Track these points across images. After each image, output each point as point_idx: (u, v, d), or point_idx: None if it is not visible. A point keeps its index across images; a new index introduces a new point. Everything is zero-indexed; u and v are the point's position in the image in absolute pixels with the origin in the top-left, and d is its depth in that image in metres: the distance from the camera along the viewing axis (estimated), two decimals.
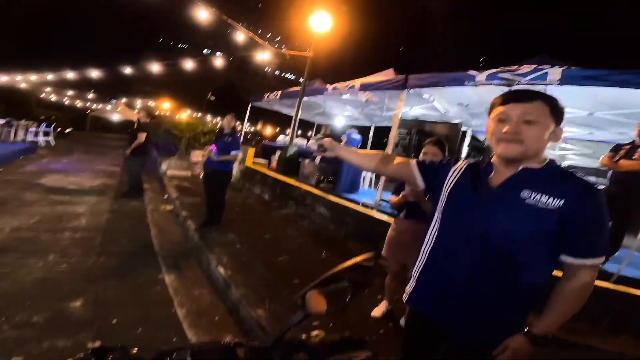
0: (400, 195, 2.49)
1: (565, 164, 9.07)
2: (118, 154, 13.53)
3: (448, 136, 5.64)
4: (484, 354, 1.16)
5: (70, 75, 14.19)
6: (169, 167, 9.28)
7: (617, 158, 3.60)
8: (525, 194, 1.08)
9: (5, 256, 3.29)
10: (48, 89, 27.45)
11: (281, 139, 11.09)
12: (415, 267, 1.37)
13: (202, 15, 8.85)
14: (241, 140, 5.00)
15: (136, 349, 0.63)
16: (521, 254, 1.08)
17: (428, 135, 5.60)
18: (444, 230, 1.27)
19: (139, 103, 37.47)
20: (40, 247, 3.64)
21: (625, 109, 4.35)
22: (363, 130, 11.03)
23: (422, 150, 2.53)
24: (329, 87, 7.19)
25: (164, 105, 34.90)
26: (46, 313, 2.49)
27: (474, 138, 7.19)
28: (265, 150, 10.52)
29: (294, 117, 8.17)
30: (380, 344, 2.51)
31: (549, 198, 1.05)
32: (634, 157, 3.48)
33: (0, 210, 4.67)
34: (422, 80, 4.91)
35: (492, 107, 1.18)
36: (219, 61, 11.70)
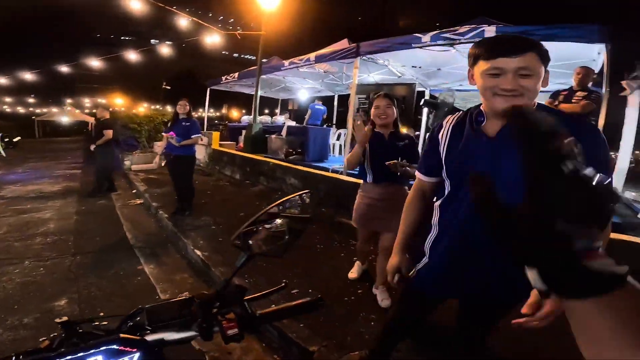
0: (355, 148, 2.36)
1: None
2: (75, 156, 12.90)
3: (405, 97, 5.87)
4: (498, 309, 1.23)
5: (3, 81, 13.12)
6: (133, 162, 9.06)
7: (557, 103, 3.95)
8: None
9: None
10: None
11: (246, 119, 11.01)
12: (426, 242, 1.32)
13: (138, 5, 8.37)
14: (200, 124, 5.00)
15: (104, 321, 0.66)
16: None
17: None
18: (451, 195, 1.23)
19: (87, 102, 35.19)
20: (14, 255, 3.61)
21: (562, 61, 4.67)
22: (328, 100, 11.17)
23: (373, 105, 2.45)
24: (286, 62, 7.26)
25: (117, 101, 33.16)
26: (35, 314, 2.55)
27: (431, 96, 7.50)
28: (232, 132, 10.47)
29: (254, 96, 8.15)
30: (356, 304, 2.64)
31: None
32: (572, 101, 3.83)
33: None
34: (373, 46, 5.06)
35: (477, 58, 1.08)
36: (165, 49, 11.25)
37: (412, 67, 6.32)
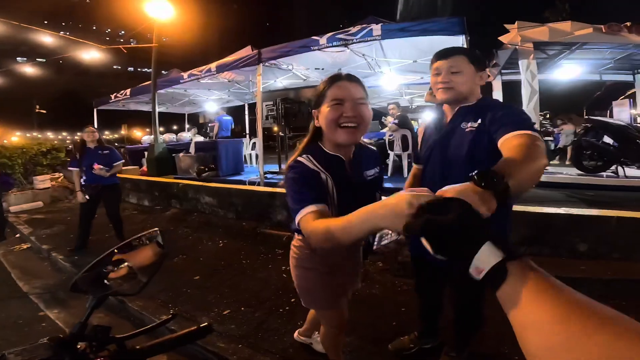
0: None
1: (415, 104, 10.72)
2: None
3: (312, 99, 6.01)
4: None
5: None
6: (11, 203, 7.59)
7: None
8: (463, 124, 1.44)
9: None
10: None
11: (146, 139, 10.01)
12: None
13: None
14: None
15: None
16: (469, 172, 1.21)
17: (293, 102, 5.86)
18: (424, 176, 1.64)
19: None
20: None
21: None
22: (238, 109, 10.88)
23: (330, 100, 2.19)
24: (184, 74, 6.92)
25: None
26: None
27: None
28: (133, 155, 9.45)
29: (152, 113, 7.58)
30: (291, 314, 2.66)
31: (478, 121, 1.38)
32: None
33: None
34: (274, 52, 5.08)
35: (431, 64, 1.51)
36: (32, 69, 9.75)
37: (315, 69, 6.50)
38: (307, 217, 0.97)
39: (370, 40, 4.29)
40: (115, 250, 0.76)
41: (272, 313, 2.59)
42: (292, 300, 2.76)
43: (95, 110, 9.96)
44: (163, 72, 7.79)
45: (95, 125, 10.56)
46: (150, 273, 0.77)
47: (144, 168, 7.91)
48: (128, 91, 8.77)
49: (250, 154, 9.01)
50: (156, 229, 0.83)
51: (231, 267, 3.52)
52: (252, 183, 5.25)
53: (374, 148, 1.49)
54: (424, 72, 6.52)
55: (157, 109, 7.65)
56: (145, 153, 7.88)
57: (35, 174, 9.23)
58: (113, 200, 4.46)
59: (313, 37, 4.68)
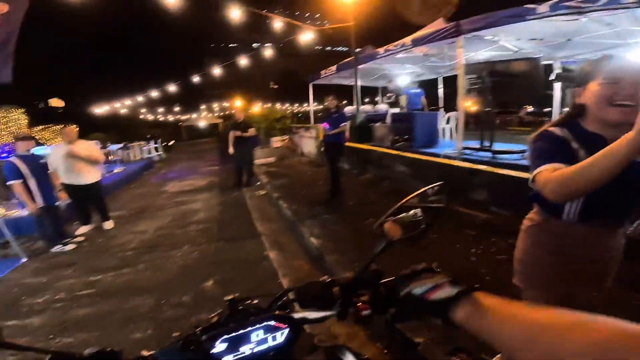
0: None
1: None
2: (212, 155, 15.30)
3: (527, 73, 5.12)
4: None
5: (155, 94, 16.36)
6: (256, 157, 10.37)
7: None
8: None
9: (157, 250, 4.31)
10: (143, 110, 31.96)
11: (347, 109, 11.33)
12: None
13: (237, 14, 9.31)
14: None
15: (256, 300, 0.75)
16: None
17: (502, 75, 5.18)
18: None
19: (215, 107, 41.74)
20: (176, 240, 4.63)
21: None
22: (431, 83, 10.56)
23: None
24: (381, 50, 7.17)
25: (236, 104, 37.71)
26: (191, 294, 3.10)
27: (564, 69, 6.31)
28: None
29: (354, 87, 8.47)
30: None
31: None
32: None
33: (144, 216, 6.03)
34: (476, 23, 4.61)
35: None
36: (267, 52, 12.31)
37: (531, 40, 5.48)
38: (545, 172, 0.96)
39: (621, 8, 3.23)
40: (410, 200, 0.81)
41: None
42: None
43: (310, 85, 11.75)
44: (356, 50, 8.51)
45: (311, 98, 12.82)
46: (430, 224, 0.80)
47: (347, 134, 9.06)
48: (334, 67, 9.85)
49: (444, 128, 8.72)
50: (441, 182, 0.87)
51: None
52: (447, 157, 5.15)
53: None
54: None
55: (355, 84, 8.48)
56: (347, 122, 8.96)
57: (271, 136, 12.20)
58: (330, 156, 5.47)
59: (526, 6, 3.94)
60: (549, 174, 0.94)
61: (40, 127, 13.70)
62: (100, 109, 18.65)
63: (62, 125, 5.01)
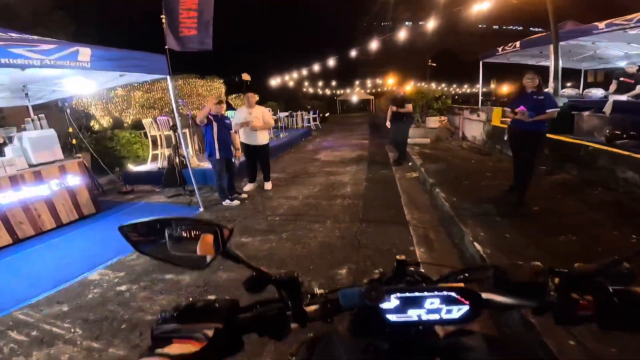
0: None
1: None
2: (363, 128, 15.32)
3: None
4: None
5: (316, 68, 17.22)
6: (409, 136, 9.66)
7: None
8: None
9: (301, 220, 4.26)
10: (305, 83, 35.06)
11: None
12: None
13: None
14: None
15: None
16: None
17: None
18: None
19: (369, 83, 42.64)
20: (321, 213, 4.50)
21: None
22: None
23: None
24: (599, 24, 6.12)
25: (389, 81, 37.46)
26: (321, 278, 2.86)
27: None
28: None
29: (552, 67, 7.03)
30: None
31: None
32: None
33: (297, 181, 6.26)
34: None
35: None
36: (428, 28, 10.98)
37: None
38: None
39: None
40: None
41: None
42: None
43: (481, 62, 10.57)
44: (536, 29, 6.58)
45: (481, 77, 11.17)
46: None
47: None
48: (517, 43, 8.60)
49: None
50: None
51: None
52: None
53: None
54: None
55: (555, 63, 6.90)
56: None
57: (427, 115, 11.13)
58: (525, 147, 4.10)
59: None
60: None
61: (234, 95, 16.64)
62: (274, 81, 21.13)
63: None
